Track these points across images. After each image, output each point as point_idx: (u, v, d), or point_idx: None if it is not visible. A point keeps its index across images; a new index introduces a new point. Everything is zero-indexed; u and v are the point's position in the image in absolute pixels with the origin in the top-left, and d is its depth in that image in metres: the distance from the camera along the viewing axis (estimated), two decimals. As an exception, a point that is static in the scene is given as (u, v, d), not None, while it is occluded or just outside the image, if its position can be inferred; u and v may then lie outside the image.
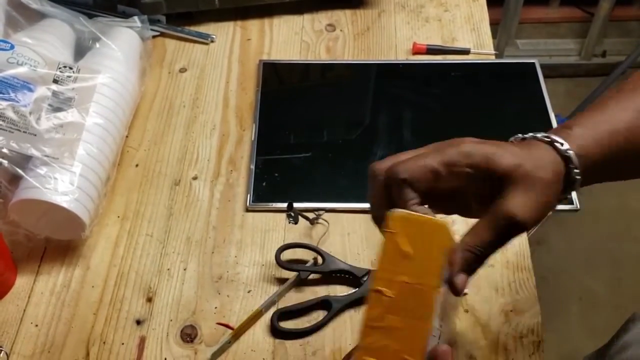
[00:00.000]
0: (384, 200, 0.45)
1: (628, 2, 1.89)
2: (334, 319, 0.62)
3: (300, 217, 0.67)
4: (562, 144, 0.44)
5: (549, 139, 0.44)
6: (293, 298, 0.63)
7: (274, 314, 0.61)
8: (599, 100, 0.48)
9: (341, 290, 0.63)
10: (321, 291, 0.64)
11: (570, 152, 0.43)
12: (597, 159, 0.44)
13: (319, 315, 0.62)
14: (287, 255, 0.65)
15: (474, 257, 0.43)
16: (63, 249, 0.67)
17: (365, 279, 0.63)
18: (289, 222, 0.66)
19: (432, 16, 0.90)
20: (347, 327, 0.61)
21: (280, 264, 0.63)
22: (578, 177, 0.44)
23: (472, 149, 0.44)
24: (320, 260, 0.64)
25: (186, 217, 0.69)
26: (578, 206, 0.68)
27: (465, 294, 0.51)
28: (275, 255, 0.63)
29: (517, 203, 0.42)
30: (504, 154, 0.43)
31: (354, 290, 0.63)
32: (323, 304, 0.62)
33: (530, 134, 0.46)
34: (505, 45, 1.80)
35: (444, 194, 0.45)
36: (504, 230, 0.42)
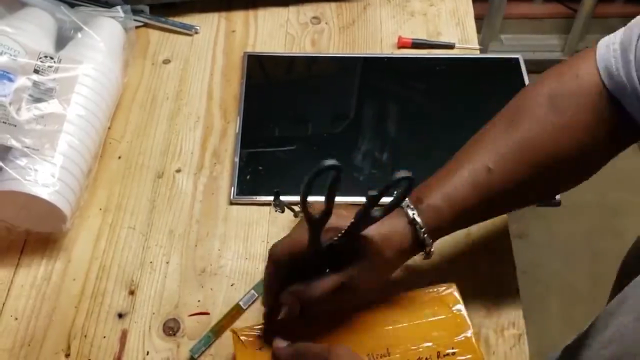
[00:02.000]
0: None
1: (611, 0, 1.90)
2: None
3: (286, 209, 0.66)
4: (413, 213, 0.52)
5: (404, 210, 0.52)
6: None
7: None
8: (446, 164, 0.56)
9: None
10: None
11: (417, 218, 0.52)
12: (447, 215, 0.53)
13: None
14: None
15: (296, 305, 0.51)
16: (44, 242, 0.66)
17: None
18: (275, 211, 0.66)
19: (417, 10, 0.90)
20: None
21: None
22: (424, 236, 0.52)
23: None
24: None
25: (169, 210, 0.69)
26: (559, 201, 0.69)
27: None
28: None
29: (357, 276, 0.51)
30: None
31: None
32: None
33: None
34: (490, 40, 1.81)
35: None
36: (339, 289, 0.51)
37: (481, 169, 0.53)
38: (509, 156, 0.53)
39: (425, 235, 0.52)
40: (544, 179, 0.54)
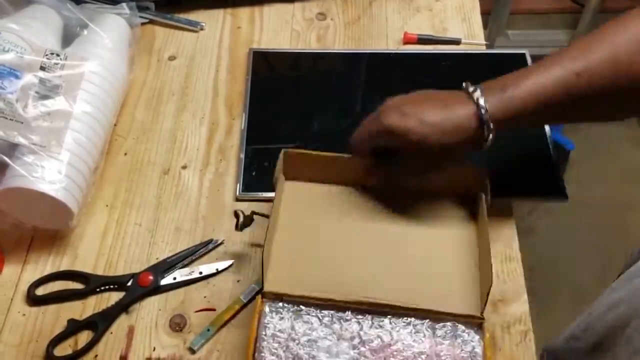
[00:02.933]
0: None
1: (618, -7, 1.89)
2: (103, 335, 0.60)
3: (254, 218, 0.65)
4: (478, 94, 0.54)
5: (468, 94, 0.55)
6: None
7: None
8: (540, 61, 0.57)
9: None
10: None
11: (482, 101, 0.54)
12: (512, 114, 0.54)
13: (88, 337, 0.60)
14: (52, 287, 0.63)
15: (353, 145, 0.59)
16: (51, 238, 0.66)
17: (129, 283, 0.62)
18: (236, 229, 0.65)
19: (423, 6, 0.90)
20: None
21: (35, 299, 0.61)
22: (487, 118, 0.53)
23: (393, 122, 0.55)
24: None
25: (175, 207, 0.69)
26: (567, 196, 0.69)
27: None
28: (28, 291, 0.62)
29: (392, 112, 0.56)
30: (416, 128, 0.54)
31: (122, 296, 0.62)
32: (89, 325, 0.60)
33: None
34: (496, 35, 1.80)
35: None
36: (380, 131, 0.55)
37: (570, 73, 0.53)
38: (601, 65, 0.53)
39: (489, 117, 0.53)
40: (626, 96, 0.54)
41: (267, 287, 0.56)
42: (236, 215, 0.62)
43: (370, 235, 0.61)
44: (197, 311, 0.61)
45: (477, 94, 0.54)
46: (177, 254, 0.65)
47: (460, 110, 0.54)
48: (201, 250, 0.65)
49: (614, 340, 0.52)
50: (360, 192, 0.64)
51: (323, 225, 0.62)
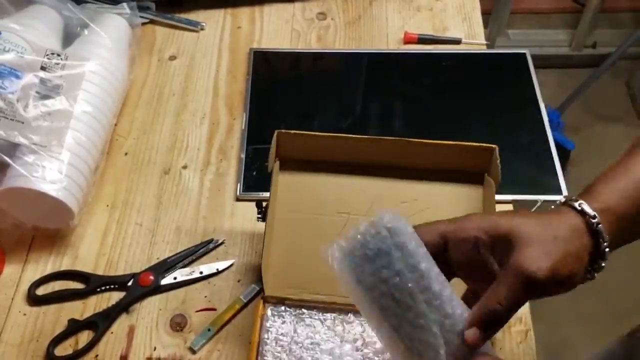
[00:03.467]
0: None
1: (619, -7, 1.89)
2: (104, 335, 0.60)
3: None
4: (578, 203, 0.43)
5: (569, 203, 0.44)
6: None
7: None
8: (619, 159, 0.48)
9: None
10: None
11: (587, 208, 0.43)
12: (625, 212, 0.44)
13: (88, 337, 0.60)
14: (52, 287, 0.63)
15: (491, 314, 0.41)
16: (51, 238, 0.66)
17: (130, 283, 0.62)
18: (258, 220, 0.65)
19: (423, 5, 0.90)
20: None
21: (35, 299, 0.61)
22: (599, 227, 0.43)
23: (478, 217, 0.44)
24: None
25: (176, 206, 0.69)
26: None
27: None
28: (29, 290, 0.62)
29: (528, 256, 0.41)
30: (507, 218, 0.43)
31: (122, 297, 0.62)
32: (89, 325, 0.60)
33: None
34: (497, 35, 1.80)
35: (472, 264, 0.44)
36: (519, 286, 0.41)
37: None
38: None
39: (606, 244, 0.43)
40: None
41: (268, 292, 0.56)
42: (259, 205, 0.61)
43: None
44: (197, 311, 0.61)
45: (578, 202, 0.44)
46: (177, 253, 0.65)
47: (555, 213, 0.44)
48: (201, 250, 0.65)
49: None
50: (358, 181, 0.62)
51: (322, 220, 0.61)
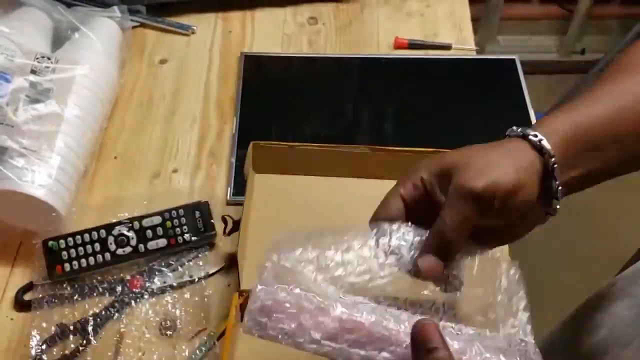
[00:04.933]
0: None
1: (607, 0, 1.91)
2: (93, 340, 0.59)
3: None
4: (535, 135, 0.43)
5: (522, 133, 0.44)
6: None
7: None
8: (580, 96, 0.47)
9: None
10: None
11: (530, 131, 0.43)
12: (574, 139, 0.43)
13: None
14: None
15: (440, 235, 0.42)
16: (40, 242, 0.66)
17: (119, 287, 0.62)
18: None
19: (414, 11, 0.90)
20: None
21: (23, 304, 0.61)
22: (553, 159, 0.42)
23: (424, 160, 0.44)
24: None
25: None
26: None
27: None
28: (16, 295, 0.61)
29: (466, 175, 0.41)
30: (449, 153, 0.44)
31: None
32: (78, 329, 0.60)
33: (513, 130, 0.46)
34: (487, 41, 1.82)
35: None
36: (460, 201, 0.41)
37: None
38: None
39: (556, 166, 0.42)
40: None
41: (244, 286, 0.56)
42: (224, 220, 0.62)
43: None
44: (192, 338, 0.60)
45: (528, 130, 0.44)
46: (168, 257, 0.65)
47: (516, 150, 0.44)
48: (192, 254, 0.65)
49: None
50: (333, 181, 0.63)
51: (299, 220, 0.61)
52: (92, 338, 0.59)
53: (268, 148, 0.62)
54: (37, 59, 0.66)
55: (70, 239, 0.63)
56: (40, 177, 0.61)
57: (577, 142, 0.43)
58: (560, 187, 0.44)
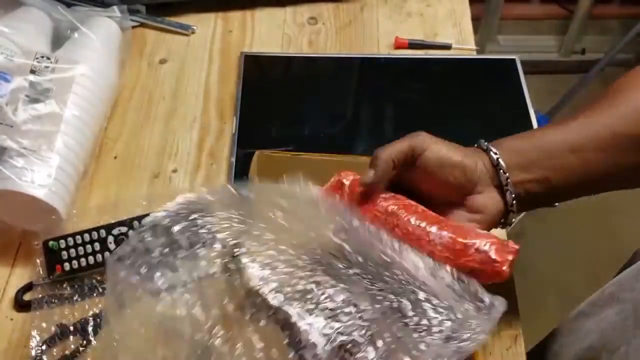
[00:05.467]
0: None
1: (607, 0, 1.91)
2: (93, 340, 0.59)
3: None
4: (495, 153, 0.51)
5: (485, 147, 0.52)
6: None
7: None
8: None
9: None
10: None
11: (493, 148, 0.51)
12: (524, 158, 0.51)
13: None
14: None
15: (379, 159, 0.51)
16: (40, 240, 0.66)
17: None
18: None
19: (414, 11, 0.90)
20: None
21: (23, 304, 0.61)
22: (497, 156, 0.51)
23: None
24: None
25: (166, 210, 0.69)
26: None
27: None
28: (16, 295, 0.61)
29: (426, 139, 0.52)
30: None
31: None
32: (78, 330, 0.59)
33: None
34: (487, 41, 1.82)
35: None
36: (410, 147, 0.51)
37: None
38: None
39: (509, 179, 0.50)
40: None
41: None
42: None
43: None
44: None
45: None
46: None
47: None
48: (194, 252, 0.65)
49: None
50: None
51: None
52: (92, 338, 0.59)
53: (272, 157, 0.61)
54: (37, 58, 0.66)
55: (70, 238, 0.63)
56: (40, 177, 0.61)
57: (531, 151, 0.51)
58: (513, 195, 0.51)
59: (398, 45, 0.85)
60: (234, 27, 0.88)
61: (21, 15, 0.73)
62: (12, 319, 0.61)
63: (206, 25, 0.87)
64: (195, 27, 0.87)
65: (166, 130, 0.76)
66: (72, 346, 0.59)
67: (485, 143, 0.52)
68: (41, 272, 0.63)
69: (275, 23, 0.88)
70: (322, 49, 0.85)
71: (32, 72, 0.65)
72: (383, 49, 0.86)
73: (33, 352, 0.58)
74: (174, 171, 0.72)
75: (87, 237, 0.63)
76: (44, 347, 0.58)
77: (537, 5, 1.94)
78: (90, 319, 0.60)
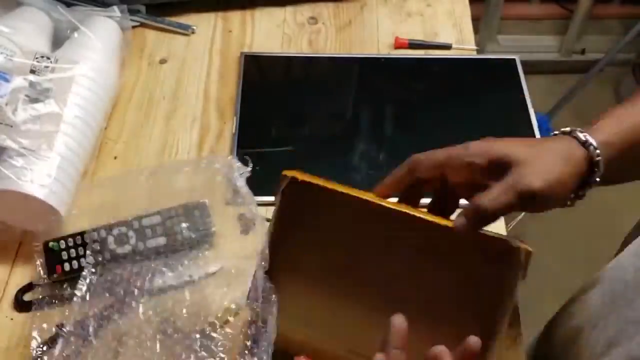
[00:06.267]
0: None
1: (607, 0, 1.91)
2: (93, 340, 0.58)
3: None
4: (582, 133, 0.47)
5: (569, 132, 0.48)
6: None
7: None
8: (625, 101, 0.51)
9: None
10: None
11: (590, 138, 0.46)
12: (620, 149, 0.47)
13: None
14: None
15: (478, 208, 0.45)
16: (39, 242, 0.65)
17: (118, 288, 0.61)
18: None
19: (414, 11, 0.90)
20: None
21: (23, 304, 0.61)
22: (599, 158, 0.46)
23: (475, 144, 0.48)
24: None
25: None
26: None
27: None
28: (16, 295, 0.61)
29: (524, 172, 0.45)
30: (501, 142, 0.48)
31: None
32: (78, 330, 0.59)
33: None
34: (487, 41, 1.81)
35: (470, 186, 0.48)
36: (512, 193, 0.45)
37: None
38: None
39: (600, 159, 0.46)
40: None
41: None
42: (241, 219, 0.62)
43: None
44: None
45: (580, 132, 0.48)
46: (167, 257, 0.65)
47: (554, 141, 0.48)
48: (192, 254, 0.65)
49: (565, 352, 0.53)
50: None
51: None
52: (92, 338, 0.59)
53: (303, 186, 0.51)
54: (37, 58, 0.66)
55: (70, 239, 0.63)
56: (40, 177, 0.61)
57: (621, 141, 0.47)
58: (598, 180, 0.47)
59: (398, 45, 0.85)
60: (234, 27, 0.88)
61: (21, 15, 0.73)
62: (12, 319, 0.61)
63: (206, 25, 0.87)
64: (195, 27, 0.87)
65: (166, 130, 0.76)
66: (72, 347, 0.59)
67: (579, 130, 0.47)
68: (41, 272, 0.63)
69: (275, 23, 0.88)
70: (322, 49, 0.85)
71: (32, 72, 0.65)
72: (383, 49, 0.86)
73: (34, 353, 0.58)
74: (174, 171, 0.72)
75: (87, 237, 0.63)
76: (44, 348, 0.58)
77: (537, 5, 1.94)
78: (91, 318, 0.60)
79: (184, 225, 0.64)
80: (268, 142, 0.75)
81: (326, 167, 0.73)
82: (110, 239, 0.63)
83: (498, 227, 0.67)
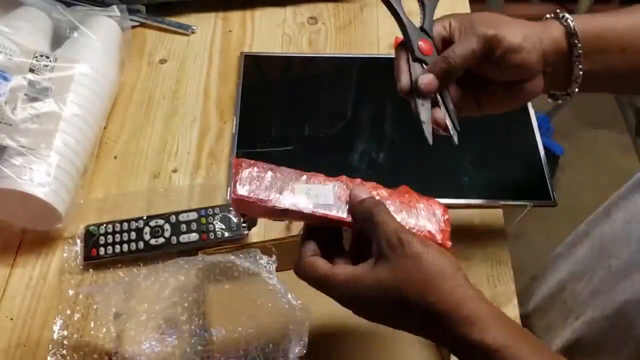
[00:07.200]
0: None
1: (607, 0, 1.91)
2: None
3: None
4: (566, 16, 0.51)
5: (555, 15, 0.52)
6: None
7: None
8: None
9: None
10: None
11: (566, 14, 0.51)
12: (599, 35, 0.50)
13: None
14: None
15: (445, 61, 0.50)
16: (40, 241, 0.66)
17: None
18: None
19: (414, 11, 0.90)
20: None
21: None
22: (574, 30, 0.49)
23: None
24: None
25: (165, 210, 0.69)
26: (555, 201, 0.69)
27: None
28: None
29: (485, 25, 0.50)
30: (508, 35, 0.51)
31: None
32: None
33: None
34: (487, 41, 1.81)
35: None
36: (471, 40, 0.49)
37: None
38: None
39: (578, 43, 0.49)
40: None
41: None
42: (242, 216, 0.62)
43: None
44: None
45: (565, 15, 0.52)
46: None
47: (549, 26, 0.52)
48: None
49: (551, 302, 0.55)
50: None
51: None
52: (111, 326, 0.58)
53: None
54: (36, 57, 0.66)
55: (110, 225, 0.65)
56: (39, 176, 0.61)
57: (603, 36, 0.50)
58: (580, 67, 0.50)
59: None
60: (234, 27, 0.88)
61: (21, 14, 0.73)
62: (12, 319, 0.61)
63: (206, 25, 0.87)
64: (195, 27, 0.87)
65: (166, 130, 0.76)
66: (92, 332, 0.59)
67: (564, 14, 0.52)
68: (78, 254, 0.64)
69: (275, 23, 0.88)
70: (322, 49, 0.85)
71: (32, 71, 0.65)
72: (383, 49, 0.86)
73: (33, 352, 0.58)
74: (174, 171, 0.72)
75: (125, 225, 0.65)
76: (65, 333, 0.59)
77: (537, 5, 1.94)
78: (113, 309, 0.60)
79: (218, 224, 0.65)
80: (268, 141, 0.75)
81: (326, 167, 0.73)
82: (147, 230, 0.64)
83: (498, 226, 0.68)
